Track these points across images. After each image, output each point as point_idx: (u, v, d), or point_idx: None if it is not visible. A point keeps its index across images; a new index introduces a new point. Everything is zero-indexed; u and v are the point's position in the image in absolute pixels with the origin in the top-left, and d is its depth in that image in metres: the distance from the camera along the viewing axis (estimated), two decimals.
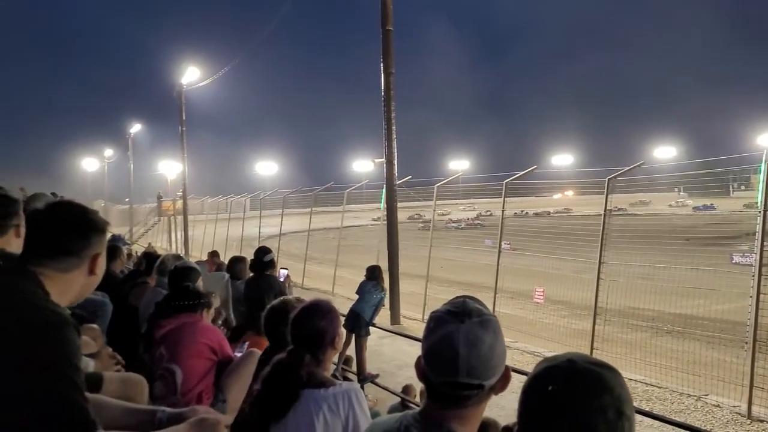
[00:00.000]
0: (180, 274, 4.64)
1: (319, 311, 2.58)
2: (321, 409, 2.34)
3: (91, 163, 77.32)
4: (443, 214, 29.59)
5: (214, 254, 10.37)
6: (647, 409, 7.94)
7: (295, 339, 2.54)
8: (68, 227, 1.77)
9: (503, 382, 1.51)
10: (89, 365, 2.83)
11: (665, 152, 77.36)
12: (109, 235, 1.88)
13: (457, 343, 1.44)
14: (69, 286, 1.74)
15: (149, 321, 4.29)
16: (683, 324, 12.00)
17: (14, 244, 2.66)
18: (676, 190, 27.76)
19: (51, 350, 1.49)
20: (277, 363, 2.51)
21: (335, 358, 3.08)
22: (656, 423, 6.88)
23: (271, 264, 6.58)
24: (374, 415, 2.62)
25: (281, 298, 3.45)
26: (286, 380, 2.43)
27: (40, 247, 1.73)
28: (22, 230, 3.12)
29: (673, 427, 6.50)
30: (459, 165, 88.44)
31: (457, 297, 1.58)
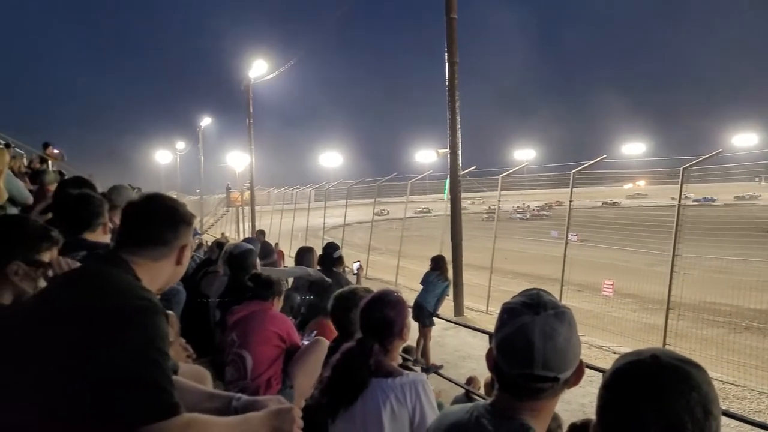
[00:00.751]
0: (239, 260, 4.77)
1: (388, 301, 2.59)
2: (388, 398, 2.35)
3: (165, 156, 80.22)
4: (522, 209, 29.23)
5: (261, 233, 11.15)
6: (724, 407, 7.60)
7: (364, 328, 2.57)
8: (160, 219, 1.87)
9: (577, 375, 1.49)
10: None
11: (745, 140, 73.46)
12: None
13: (533, 335, 1.43)
14: (158, 275, 1.84)
15: (222, 307, 4.44)
16: (763, 320, 11.43)
17: (102, 240, 2.94)
18: (757, 179, 26.53)
19: (142, 334, 1.54)
20: (347, 351, 2.54)
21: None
22: (734, 422, 6.57)
23: (340, 260, 6.64)
24: (438, 406, 2.59)
25: (350, 286, 3.49)
26: (354, 368, 2.45)
27: (134, 237, 1.83)
28: (109, 226, 3.41)
29: (752, 427, 6.19)
30: (524, 155, 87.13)
31: (530, 289, 1.56)
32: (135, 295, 1.63)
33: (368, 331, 2.54)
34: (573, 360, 1.46)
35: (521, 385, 1.46)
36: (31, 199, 5.77)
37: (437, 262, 9.38)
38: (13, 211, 5.03)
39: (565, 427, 4.11)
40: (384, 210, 24.82)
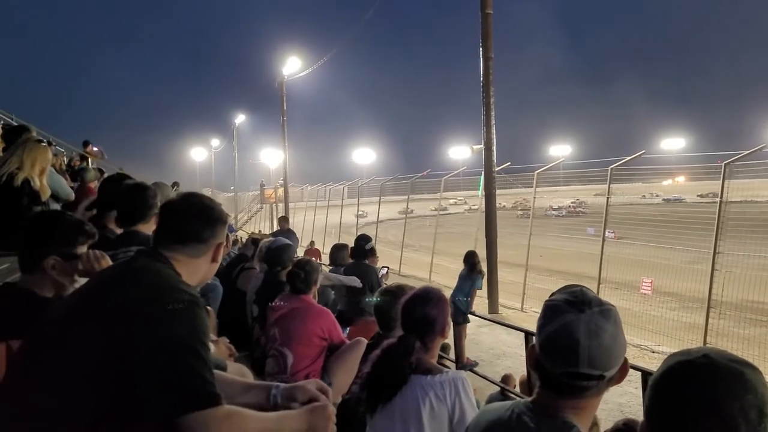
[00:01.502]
0: (276, 255, 4.80)
1: (430, 299, 2.60)
2: (428, 395, 2.36)
3: (200, 153, 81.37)
4: (559, 207, 28.84)
5: (283, 219, 11.78)
6: None
7: (406, 325, 2.57)
8: (199, 217, 1.93)
9: (621, 373, 1.48)
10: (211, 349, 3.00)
11: None
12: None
13: (578, 333, 1.41)
14: (196, 271, 1.91)
15: (259, 302, 4.49)
16: None
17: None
18: None
19: (184, 327, 1.59)
20: (388, 348, 2.55)
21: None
22: None
23: (372, 252, 6.66)
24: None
25: (396, 283, 3.50)
26: (395, 365, 2.46)
27: (174, 234, 1.89)
28: None
29: None
30: (560, 150, 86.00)
31: (572, 285, 1.55)
32: (178, 290, 1.69)
33: (409, 328, 2.54)
34: (618, 358, 1.45)
35: (565, 383, 1.45)
36: (73, 196, 5.90)
37: (468, 258, 9.44)
38: (56, 207, 5.15)
39: (602, 426, 4.04)
40: (410, 209, 24.77)
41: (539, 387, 1.53)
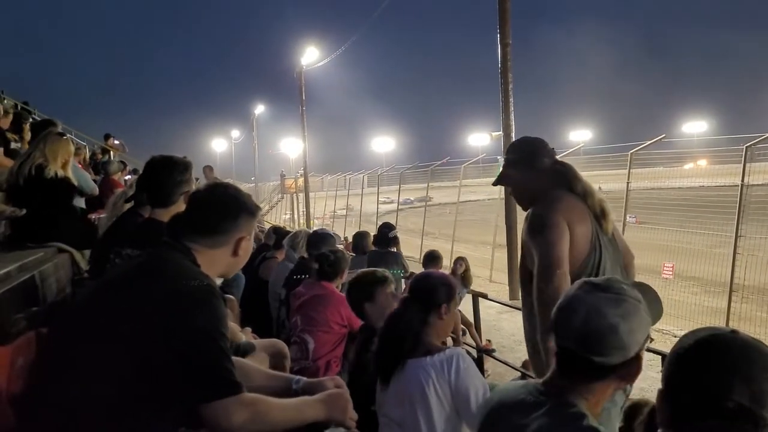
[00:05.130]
0: (316, 240, 4.86)
1: (434, 278, 2.66)
2: (430, 377, 2.39)
3: (220, 144, 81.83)
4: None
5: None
6: None
7: (410, 303, 2.59)
8: (221, 208, 1.91)
9: (630, 370, 1.48)
10: (242, 337, 3.09)
11: None
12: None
13: (578, 310, 1.45)
14: (214, 262, 1.89)
15: (288, 285, 4.56)
16: None
17: None
18: None
19: (202, 317, 1.64)
20: (389, 319, 2.60)
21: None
22: None
23: (395, 240, 6.74)
24: (492, 387, 2.64)
25: (366, 270, 3.50)
26: (392, 340, 2.50)
27: (193, 224, 1.88)
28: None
29: None
30: (580, 135, 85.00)
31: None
32: (194, 279, 1.72)
33: (410, 303, 2.57)
34: (616, 349, 1.43)
35: (566, 361, 1.49)
36: (97, 190, 5.99)
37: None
38: (80, 201, 5.24)
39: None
40: (429, 197, 24.62)
41: (553, 367, 1.57)
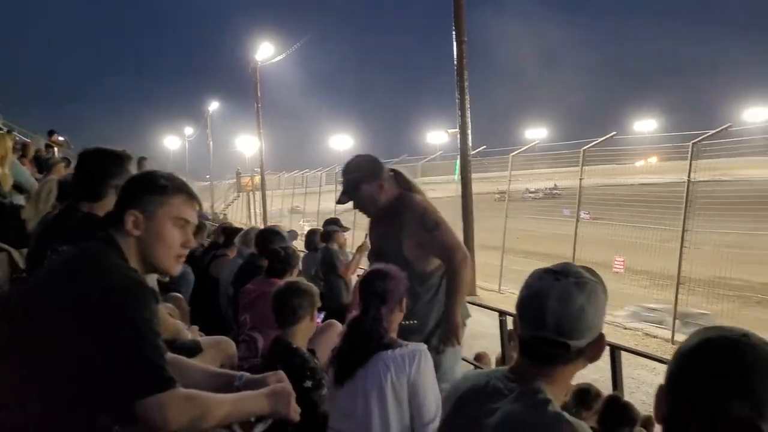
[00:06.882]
0: (266, 237, 4.81)
1: (386, 273, 2.65)
2: (389, 370, 2.40)
3: (173, 141, 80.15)
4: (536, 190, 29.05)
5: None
6: None
7: (365, 300, 2.60)
8: (136, 189, 1.85)
9: (595, 349, 1.52)
10: (188, 335, 3.03)
11: (756, 114, 70.52)
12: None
13: (548, 298, 1.46)
14: (138, 252, 1.79)
15: (236, 284, 4.50)
16: None
17: None
18: None
19: (131, 313, 1.59)
20: (355, 319, 2.61)
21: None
22: None
23: (327, 236, 6.73)
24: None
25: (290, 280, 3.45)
26: (358, 340, 2.51)
27: (116, 212, 1.81)
28: None
29: None
30: (536, 133, 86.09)
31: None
32: (121, 274, 1.67)
33: (369, 302, 2.58)
34: (587, 330, 1.47)
35: (535, 348, 1.50)
36: (37, 187, 5.82)
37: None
38: (19, 198, 5.08)
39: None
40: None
41: (518, 354, 1.59)
